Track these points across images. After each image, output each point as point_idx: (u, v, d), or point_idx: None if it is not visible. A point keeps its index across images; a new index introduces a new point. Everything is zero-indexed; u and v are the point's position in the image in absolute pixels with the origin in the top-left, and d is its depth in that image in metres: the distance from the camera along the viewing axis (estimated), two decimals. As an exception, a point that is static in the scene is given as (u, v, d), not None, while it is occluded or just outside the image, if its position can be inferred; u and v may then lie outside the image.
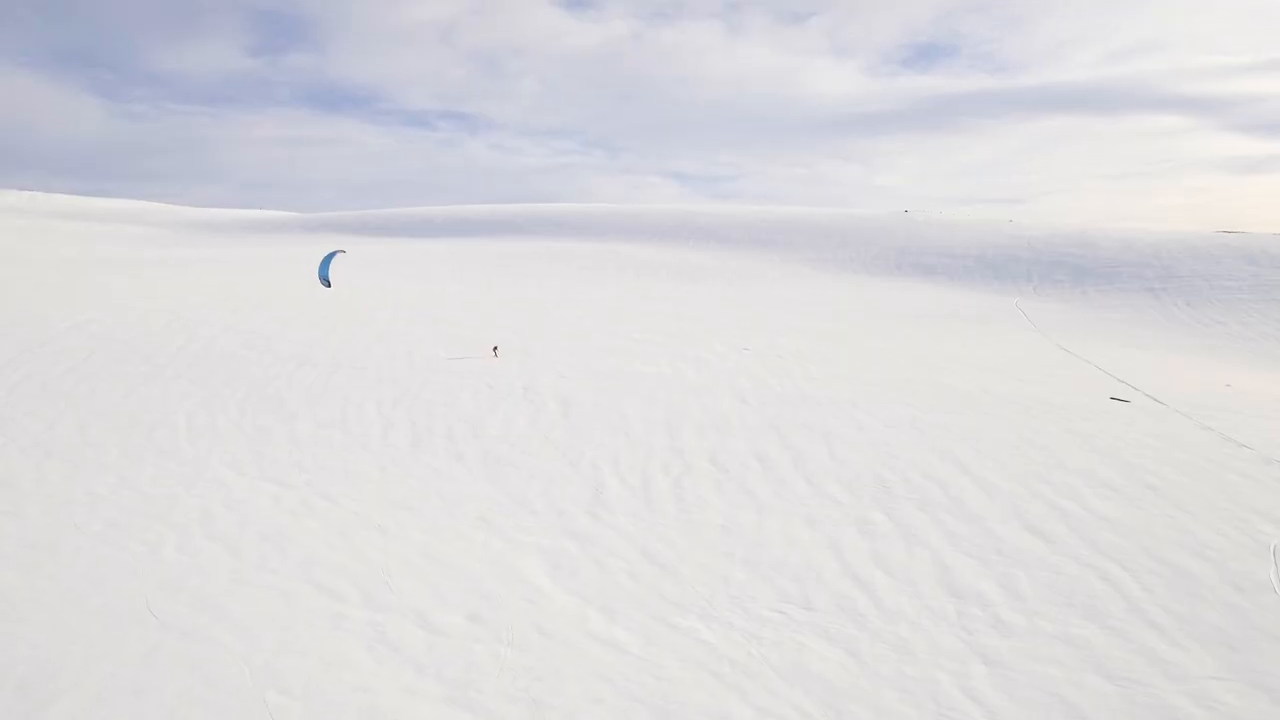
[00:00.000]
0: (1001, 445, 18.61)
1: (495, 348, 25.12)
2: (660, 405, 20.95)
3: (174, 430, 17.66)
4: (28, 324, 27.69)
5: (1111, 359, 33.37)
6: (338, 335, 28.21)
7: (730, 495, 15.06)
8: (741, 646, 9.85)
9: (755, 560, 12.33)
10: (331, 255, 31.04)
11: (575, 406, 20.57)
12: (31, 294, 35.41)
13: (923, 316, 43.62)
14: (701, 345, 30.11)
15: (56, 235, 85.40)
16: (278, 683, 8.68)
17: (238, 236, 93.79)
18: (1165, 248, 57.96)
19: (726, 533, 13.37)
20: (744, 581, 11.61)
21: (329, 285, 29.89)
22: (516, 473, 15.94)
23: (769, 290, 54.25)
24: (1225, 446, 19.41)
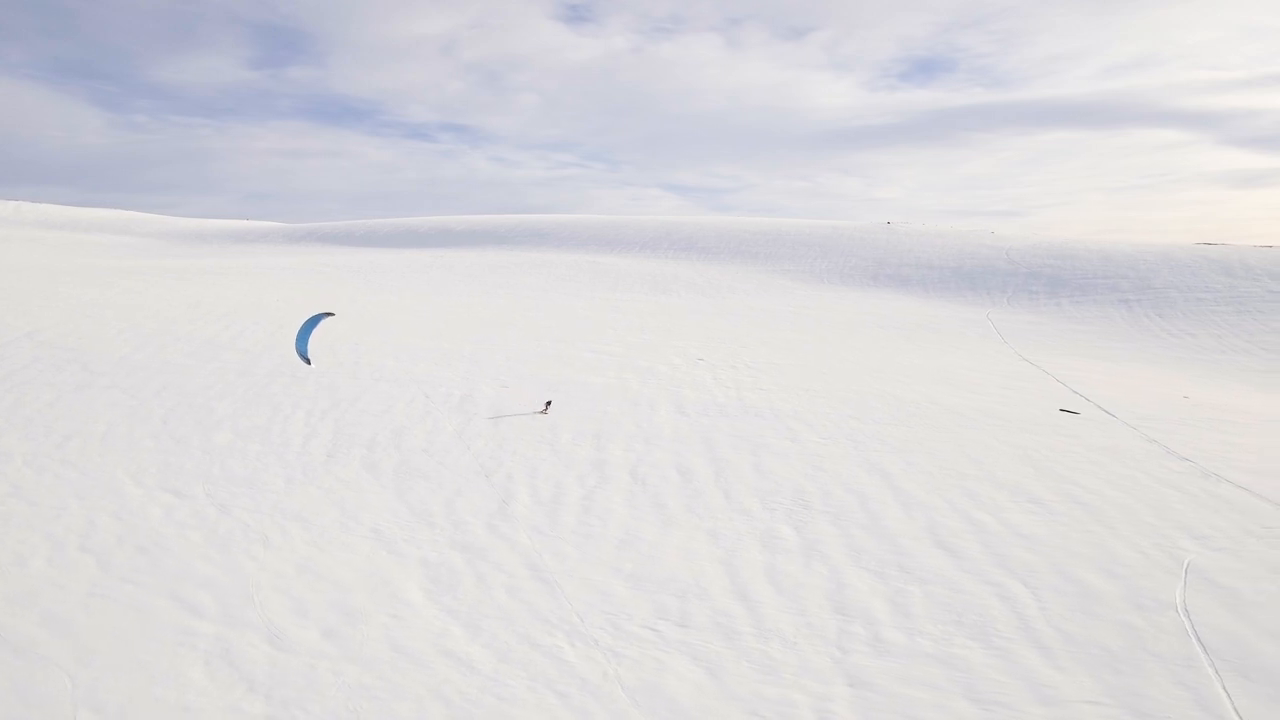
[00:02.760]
0: (935, 458, 18.25)
1: (549, 402, 21.19)
2: (594, 416, 20.62)
3: (87, 440, 17.32)
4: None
5: (1075, 371, 33.01)
6: (289, 344, 27.88)
7: (640, 508, 14.69)
8: (599, 666, 9.46)
9: (643, 575, 11.95)
10: (314, 322, 22.60)
11: (507, 416, 20.24)
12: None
13: (891, 327, 43.30)
14: (656, 356, 29.79)
15: (43, 245, 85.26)
16: (94, 701, 8.30)
17: (223, 247, 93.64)
18: (1143, 259, 57.58)
19: (623, 547, 12.99)
20: (624, 598, 11.23)
21: (309, 362, 21.87)
22: (426, 484, 15.58)
23: (743, 301, 53.89)
24: (1167, 460, 19.04)
